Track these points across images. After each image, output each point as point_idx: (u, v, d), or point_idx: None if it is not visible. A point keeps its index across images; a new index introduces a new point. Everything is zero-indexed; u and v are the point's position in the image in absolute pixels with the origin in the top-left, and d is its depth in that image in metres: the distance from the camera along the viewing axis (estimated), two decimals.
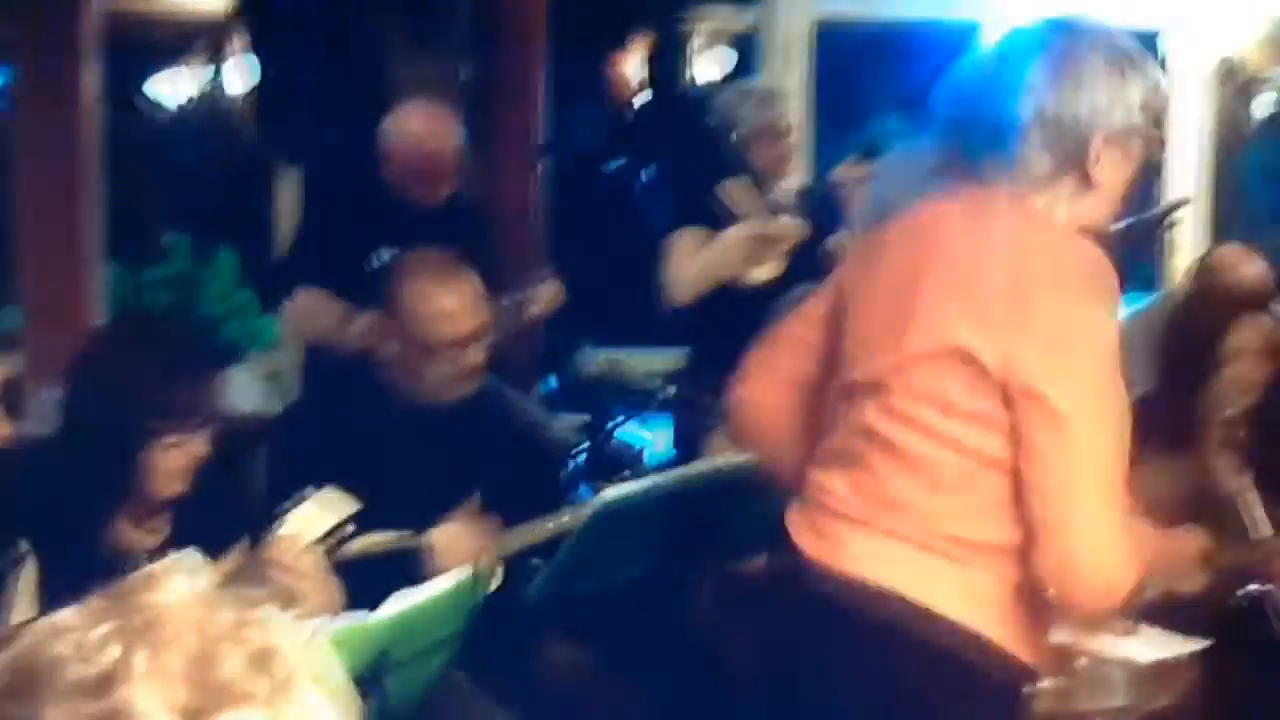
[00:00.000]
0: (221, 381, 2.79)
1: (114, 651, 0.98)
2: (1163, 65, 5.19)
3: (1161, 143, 2.41)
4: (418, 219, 4.04)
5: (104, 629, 0.99)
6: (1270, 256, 4.35)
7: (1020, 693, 2.31)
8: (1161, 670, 3.02)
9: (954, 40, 5.61)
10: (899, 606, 2.23)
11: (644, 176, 5.43)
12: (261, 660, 1.00)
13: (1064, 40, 2.28)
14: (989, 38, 5.75)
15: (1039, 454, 2.16)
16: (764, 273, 4.34)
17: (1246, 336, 3.26)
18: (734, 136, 4.48)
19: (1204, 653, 3.11)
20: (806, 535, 2.36)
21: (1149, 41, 5.50)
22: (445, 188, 4.15)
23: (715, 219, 4.35)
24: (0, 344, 4.49)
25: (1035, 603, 2.27)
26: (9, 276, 4.77)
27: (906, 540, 2.25)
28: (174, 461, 2.56)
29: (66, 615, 1.01)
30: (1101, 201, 2.32)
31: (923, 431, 2.25)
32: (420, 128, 4.13)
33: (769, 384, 2.54)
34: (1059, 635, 2.49)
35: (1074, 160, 2.26)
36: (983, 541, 2.24)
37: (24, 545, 2.43)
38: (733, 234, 4.30)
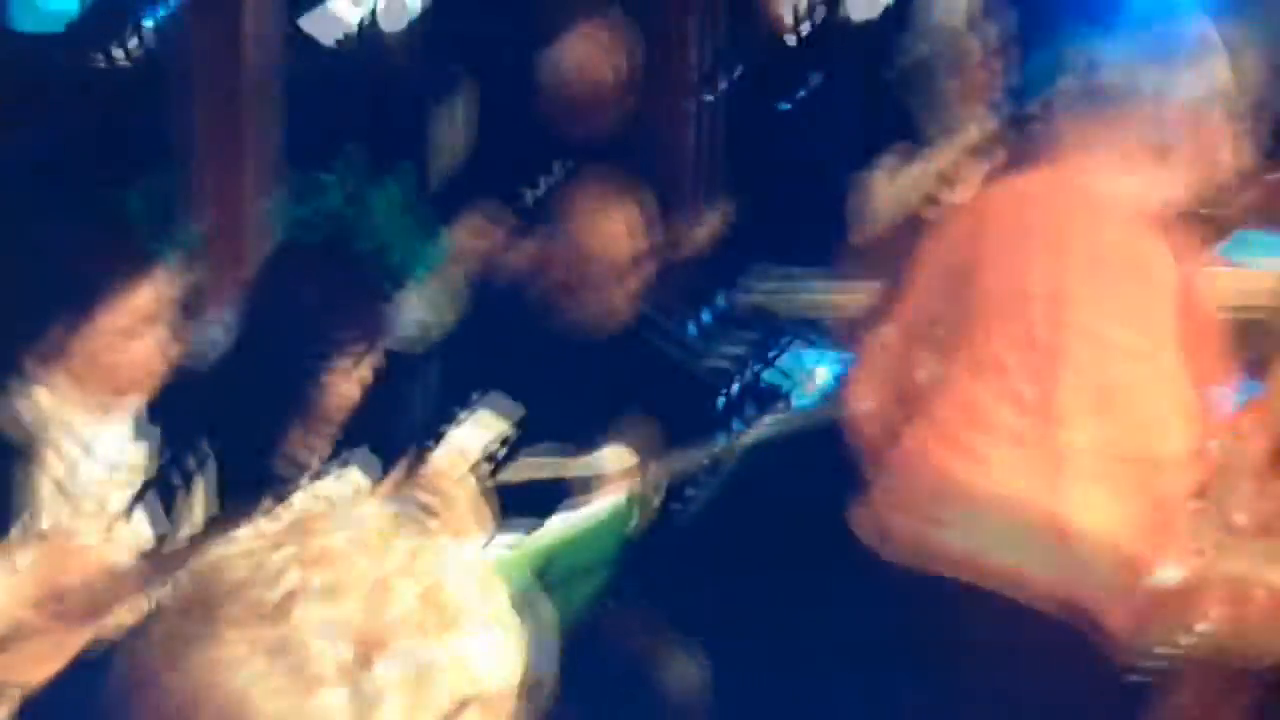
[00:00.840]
0: (391, 306, 2.83)
1: (292, 579, 1.00)
2: None
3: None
4: (580, 148, 4.04)
5: (283, 554, 1.02)
6: None
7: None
8: None
9: None
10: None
11: (821, 103, 5.33)
12: (433, 594, 1.02)
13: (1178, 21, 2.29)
14: None
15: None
16: (959, 195, 4.26)
17: None
18: (926, 61, 4.37)
19: None
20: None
21: None
22: (608, 117, 4.14)
23: (900, 151, 4.29)
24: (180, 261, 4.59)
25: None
26: (188, 197, 4.86)
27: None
28: (343, 383, 2.61)
29: (246, 536, 1.04)
30: (1189, 176, 2.31)
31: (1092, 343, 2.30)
32: (579, 60, 4.12)
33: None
34: (1232, 566, 2.45)
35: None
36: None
37: (205, 447, 2.51)
38: (928, 161, 4.23)
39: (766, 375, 4.46)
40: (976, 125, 4.32)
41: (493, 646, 1.04)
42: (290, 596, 0.99)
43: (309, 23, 6.32)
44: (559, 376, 3.10)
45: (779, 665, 3.23)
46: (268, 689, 0.98)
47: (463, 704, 1.01)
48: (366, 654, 0.99)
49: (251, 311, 2.74)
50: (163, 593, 1.06)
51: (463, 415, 2.68)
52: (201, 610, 1.01)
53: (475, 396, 2.69)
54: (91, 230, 2.59)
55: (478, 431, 2.66)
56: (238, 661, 0.99)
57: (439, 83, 5.17)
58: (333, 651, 0.98)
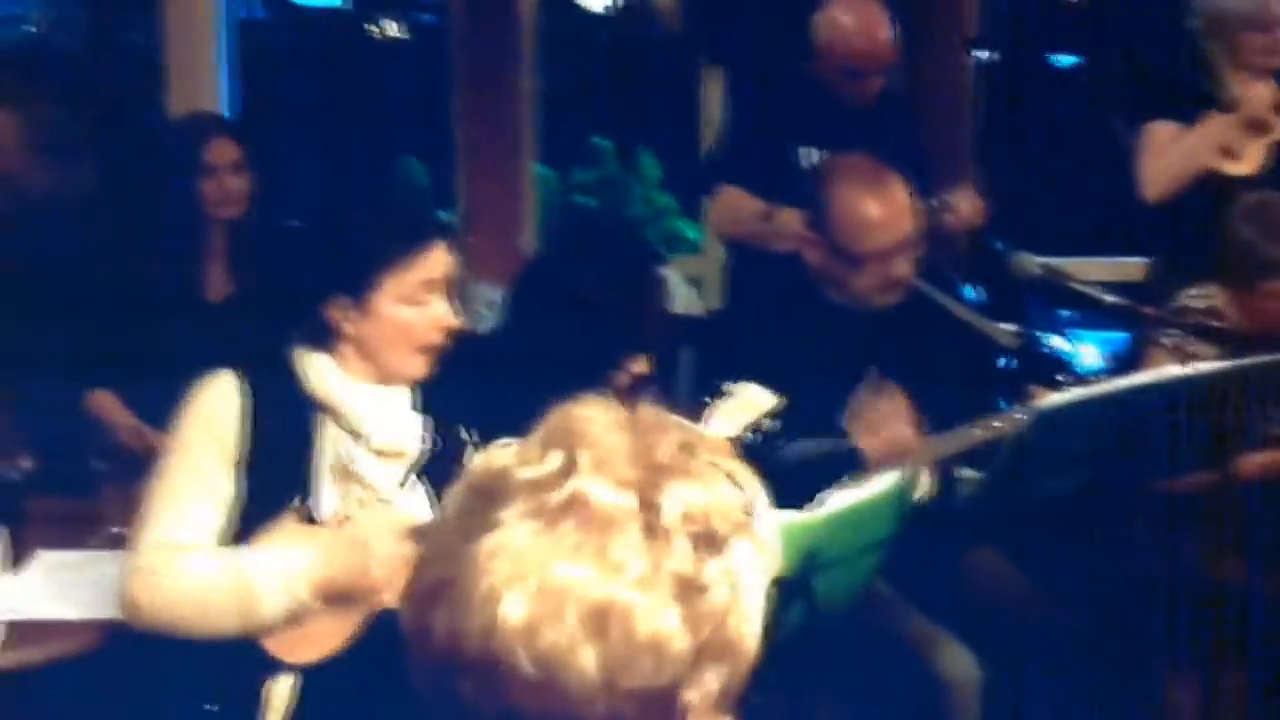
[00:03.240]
0: (666, 297, 2.80)
1: (557, 456, 1.09)
2: None
3: None
4: (846, 117, 3.96)
5: (539, 438, 1.12)
6: None
7: None
8: None
9: None
10: None
11: (1090, 70, 5.15)
12: (689, 446, 1.12)
13: None
14: None
15: None
16: (1243, 167, 4.08)
17: None
18: (1210, 24, 4.17)
19: None
20: None
21: None
22: (875, 84, 4.05)
23: (1182, 112, 4.10)
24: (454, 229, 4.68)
25: None
26: (449, 179, 4.97)
27: None
28: (620, 378, 2.59)
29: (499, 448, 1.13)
30: None
31: None
32: (852, 21, 4.02)
33: None
34: None
35: None
36: None
37: (466, 434, 2.50)
38: (1212, 124, 4.04)
39: (1049, 346, 4.33)
40: (1260, 94, 4.11)
41: (745, 483, 1.13)
42: (562, 466, 1.08)
43: None
44: (828, 354, 3.04)
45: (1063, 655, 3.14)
46: (564, 547, 1.05)
47: (736, 532, 1.09)
48: (647, 498, 1.07)
49: (526, 292, 2.73)
50: (447, 502, 1.13)
51: (728, 387, 2.63)
52: (482, 500, 1.09)
53: (738, 379, 2.64)
54: (381, 196, 2.59)
55: (740, 406, 2.62)
56: (534, 542, 1.05)
57: (697, 59, 5.15)
58: (614, 499, 1.06)
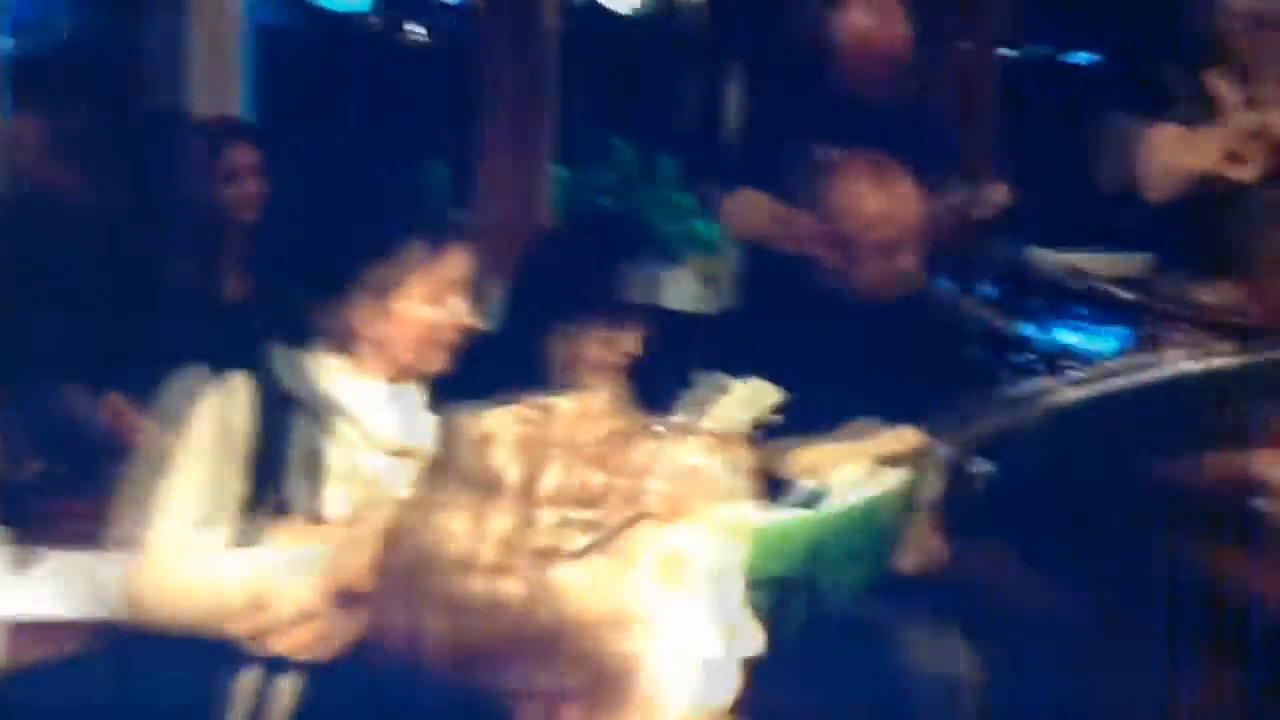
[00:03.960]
0: (660, 280, 2.83)
1: (496, 424, 1.11)
2: None
3: None
4: (864, 115, 3.97)
5: (503, 409, 1.13)
6: None
7: None
8: None
9: None
10: None
11: (1105, 70, 5.16)
12: (621, 438, 1.11)
13: None
14: None
15: None
16: (1248, 173, 4.07)
17: None
18: (1223, 23, 4.16)
19: None
20: None
21: None
22: (892, 82, 4.06)
23: (1189, 115, 4.10)
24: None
25: None
26: (470, 177, 4.99)
27: None
28: (608, 355, 2.61)
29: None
30: None
31: None
32: (869, 20, 4.04)
33: None
34: None
35: None
36: None
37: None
38: (1216, 130, 4.04)
39: (1060, 340, 4.33)
40: (1270, 97, 4.10)
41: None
42: (487, 435, 1.10)
43: None
44: (838, 350, 3.06)
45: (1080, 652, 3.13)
46: (455, 505, 1.06)
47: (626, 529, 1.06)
48: (533, 471, 1.07)
49: (533, 281, 2.76)
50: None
51: (731, 383, 2.65)
52: (438, 466, 1.12)
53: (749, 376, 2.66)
54: (396, 197, 2.64)
55: (742, 400, 2.64)
56: (453, 514, 1.07)
57: (718, 59, 5.17)
58: (506, 467, 1.07)
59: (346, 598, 2.33)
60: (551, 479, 1.07)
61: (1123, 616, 3.19)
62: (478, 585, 1.04)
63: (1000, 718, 2.98)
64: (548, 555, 1.05)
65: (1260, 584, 3.04)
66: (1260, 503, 3.03)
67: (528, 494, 1.06)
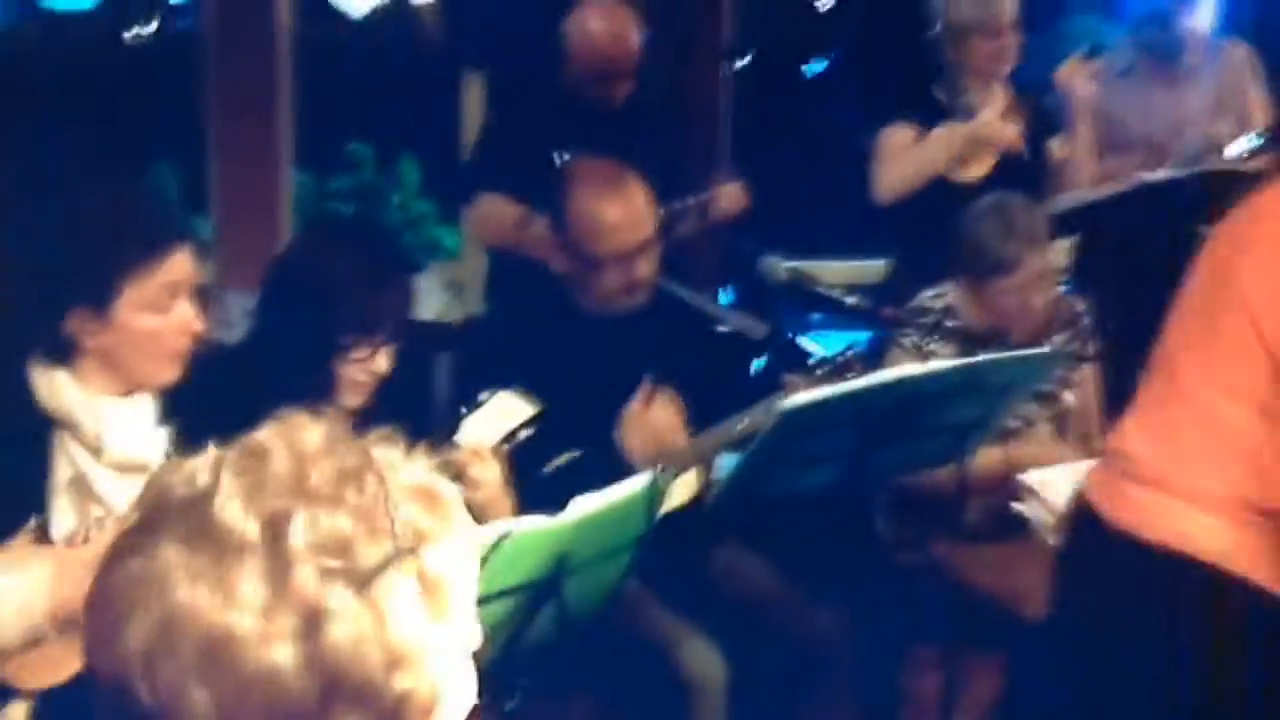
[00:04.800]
0: (412, 294, 2.80)
1: (207, 475, 1.04)
2: None
3: None
4: (600, 121, 4.01)
5: (205, 457, 1.06)
6: None
7: None
8: None
9: None
10: (1206, 572, 2.26)
11: (839, 76, 5.31)
12: (355, 472, 1.04)
13: None
14: None
15: None
16: (975, 171, 4.25)
17: None
18: (947, 32, 4.33)
19: None
20: (1106, 497, 2.40)
21: None
22: (626, 88, 4.10)
23: (920, 118, 4.26)
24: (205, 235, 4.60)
25: None
26: (203, 185, 4.87)
27: (1214, 507, 2.28)
28: (360, 374, 2.58)
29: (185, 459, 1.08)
30: None
31: (1237, 399, 2.26)
32: (600, 26, 4.08)
33: None
34: None
35: None
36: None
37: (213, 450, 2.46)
38: (945, 132, 4.20)
39: (798, 344, 4.45)
40: (993, 99, 4.30)
41: (419, 523, 1.05)
42: (206, 489, 1.03)
43: None
44: (584, 358, 3.08)
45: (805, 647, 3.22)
46: (189, 573, 1.00)
47: (388, 563, 1.02)
48: (279, 526, 1.01)
49: (278, 290, 2.70)
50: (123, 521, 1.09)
51: (484, 397, 2.65)
52: (149, 520, 1.04)
53: (495, 386, 2.66)
54: (120, 202, 2.52)
55: (497, 414, 2.63)
56: (168, 566, 1.01)
57: (456, 65, 5.16)
58: (240, 524, 1.01)
59: (73, 621, 2.25)
60: (298, 530, 1.01)
61: (867, 616, 3.30)
62: (244, 659, 0.99)
63: (745, 717, 3.05)
64: (313, 615, 1.00)
65: (1011, 585, 3.18)
66: (1018, 505, 3.17)
67: (276, 550, 1.01)
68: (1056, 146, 4.41)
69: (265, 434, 1.07)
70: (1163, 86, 4.61)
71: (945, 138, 4.21)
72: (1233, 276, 2.32)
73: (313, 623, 0.99)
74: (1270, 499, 2.27)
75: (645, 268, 3.14)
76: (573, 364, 3.05)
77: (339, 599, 1.00)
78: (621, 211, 3.11)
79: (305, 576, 1.00)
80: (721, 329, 3.37)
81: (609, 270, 3.11)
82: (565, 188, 3.19)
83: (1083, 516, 2.47)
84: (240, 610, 0.99)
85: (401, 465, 1.08)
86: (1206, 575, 2.28)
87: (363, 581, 1.01)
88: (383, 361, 2.61)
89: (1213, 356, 2.32)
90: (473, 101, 5.04)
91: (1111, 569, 2.38)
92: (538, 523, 2.36)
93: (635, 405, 2.98)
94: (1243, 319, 2.27)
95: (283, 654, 0.99)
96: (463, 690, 1.09)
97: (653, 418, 2.98)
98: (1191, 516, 2.29)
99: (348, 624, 1.00)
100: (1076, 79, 4.49)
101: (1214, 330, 2.32)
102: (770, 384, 3.35)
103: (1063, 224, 3.94)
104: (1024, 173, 4.21)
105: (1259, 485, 2.27)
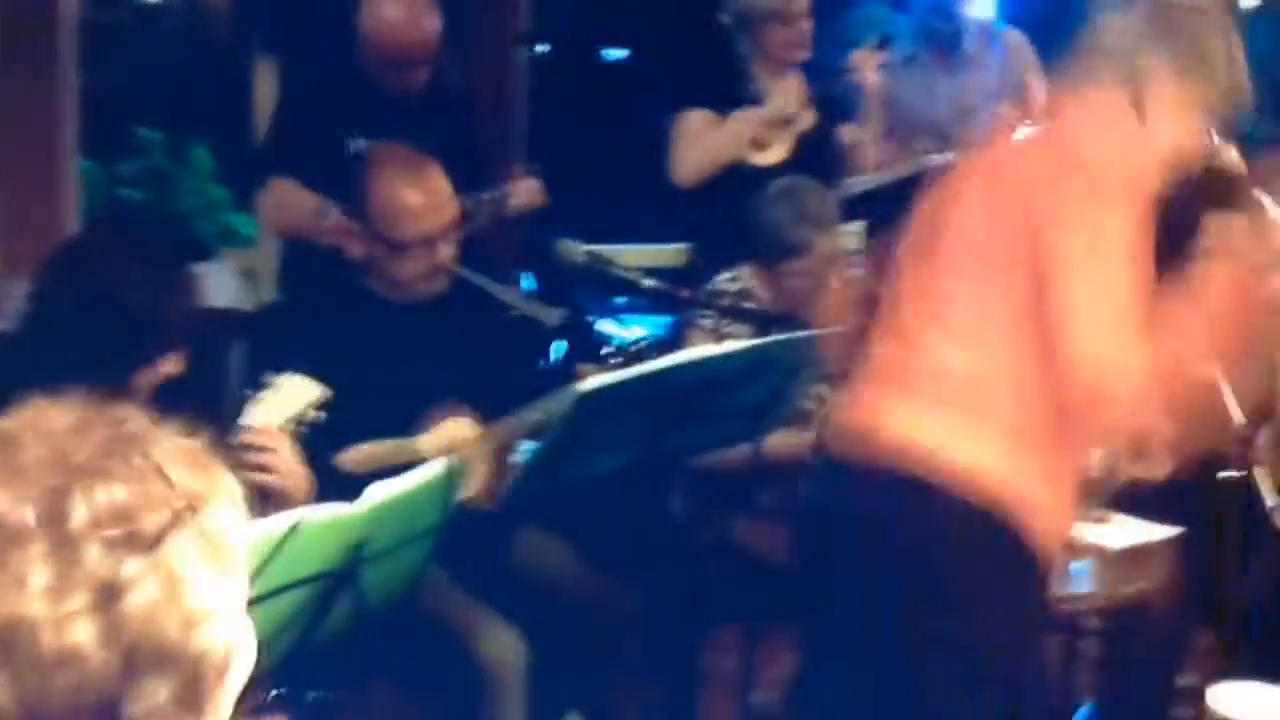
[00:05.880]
0: (197, 296, 2.74)
1: None
2: None
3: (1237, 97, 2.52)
4: (395, 107, 3.97)
5: None
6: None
7: (1044, 555, 2.46)
8: (1133, 557, 3.05)
9: None
10: (939, 467, 2.38)
11: (635, 64, 5.36)
12: (119, 442, 1.06)
13: None
14: None
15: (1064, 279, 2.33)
16: (770, 156, 4.33)
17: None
18: (740, 19, 4.40)
19: (1177, 538, 3.13)
20: (854, 408, 2.56)
21: None
22: (422, 75, 4.07)
23: (716, 103, 4.32)
24: None
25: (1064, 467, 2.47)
26: None
27: (950, 406, 2.41)
28: (144, 377, 2.52)
29: None
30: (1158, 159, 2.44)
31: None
32: (396, 13, 4.04)
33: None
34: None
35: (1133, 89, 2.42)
36: (1021, 403, 2.40)
37: None
38: (740, 117, 4.28)
39: (598, 329, 4.48)
40: (786, 86, 4.39)
41: (202, 484, 1.07)
42: None
43: None
44: (380, 347, 3.06)
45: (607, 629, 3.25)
46: None
47: (171, 527, 1.03)
48: (55, 506, 1.01)
49: (48, 290, 2.61)
50: None
51: (269, 380, 2.61)
52: None
53: (290, 371, 2.63)
54: None
55: (284, 396, 2.60)
56: None
57: (248, 51, 5.07)
58: (13, 511, 1.01)
59: None
60: (76, 507, 1.01)
61: (665, 598, 3.34)
62: (41, 644, 0.99)
63: (545, 702, 3.07)
64: (106, 588, 1.00)
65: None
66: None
67: (57, 531, 1.01)
68: (848, 132, 4.52)
69: (8, 422, 1.07)
70: (944, 74, 4.76)
71: (740, 123, 4.29)
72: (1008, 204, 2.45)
73: (107, 596, 1.00)
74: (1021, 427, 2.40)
75: (446, 252, 3.15)
76: (369, 351, 3.03)
77: (129, 568, 1.01)
78: (423, 195, 3.12)
79: (92, 551, 1.01)
80: (517, 314, 3.38)
81: (410, 254, 3.10)
82: (366, 172, 3.18)
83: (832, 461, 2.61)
84: (30, 596, 0.99)
85: (159, 432, 1.09)
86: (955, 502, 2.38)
87: (149, 546, 1.02)
88: (169, 366, 2.54)
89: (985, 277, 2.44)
90: (264, 86, 4.95)
91: (849, 501, 2.51)
92: (333, 510, 2.34)
93: (437, 416, 3.00)
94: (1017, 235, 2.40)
95: (81, 632, 0.99)
96: (249, 645, 1.11)
97: (448, 428, 2.98)
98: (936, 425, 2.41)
99: (141, 591, 1.01)
100: (867, 67, 4.61)
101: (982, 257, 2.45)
102: (568, 371, 3.38)
103: (852, 207, 4.03)
104: (818, 158, 4.31)
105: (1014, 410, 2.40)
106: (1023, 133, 2.72)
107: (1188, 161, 2.53)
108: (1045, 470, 2.43)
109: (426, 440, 2.98)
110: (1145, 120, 2.43)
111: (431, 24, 4.07)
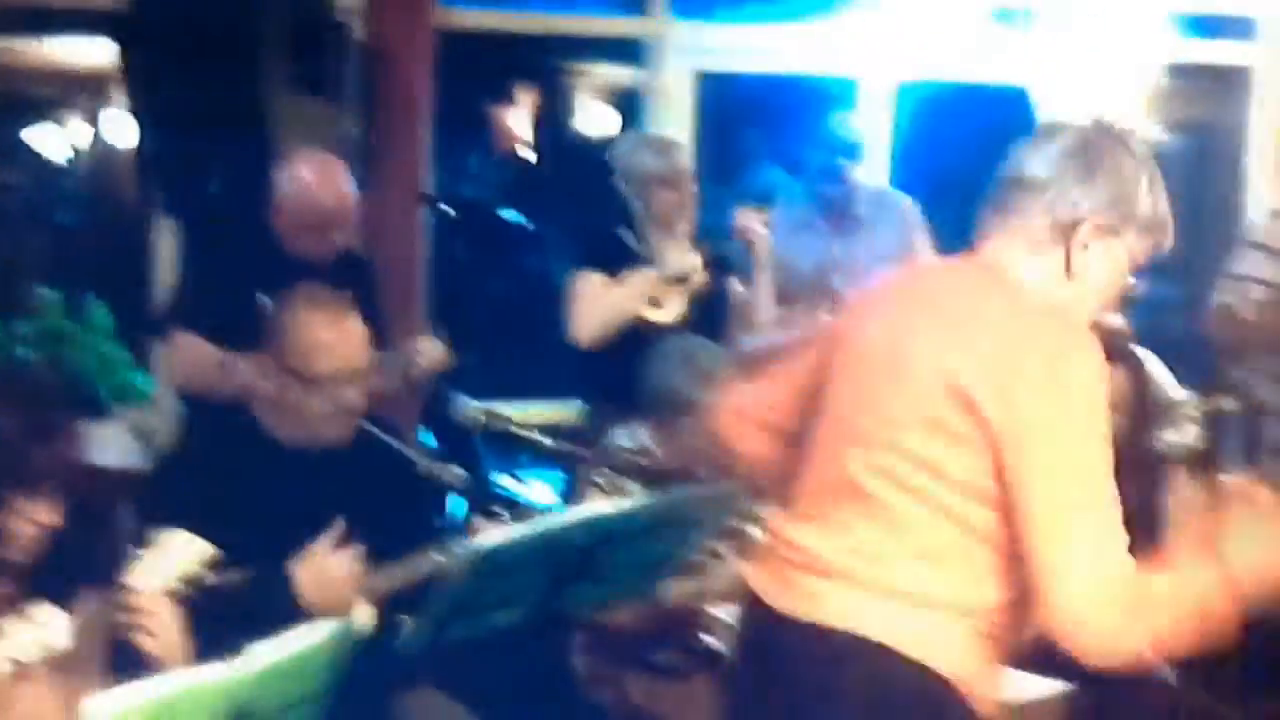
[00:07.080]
0: (82, 446, 2.72)
1: None
2: (1033, 120, 5.33)
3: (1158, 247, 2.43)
4: (302, 269, 4.00)
5: None
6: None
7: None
8: (1030, 712, 3.06)
9: (832, 95, 5.71)
10: (871, 654, 2.29)
11: (533, 226, 5.47)
12: None
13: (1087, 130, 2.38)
14: (866, 93, 5.87)
15: (1034, 493, 2.19)
16: (665, 315, 4.44)
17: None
18: (630, 184, 4.52)
19: (1067, 694, 3.15)
20: (771, 586, 2.43)
21: (1019, 97, 5.63)
22: (338, 239, 4.12)
23: (611, 265, 4.42)
24: None
25: (1001, 647, 2.37)
26: None
27: (884, 595, 2.30)
28: (20, 525, 2.49)
29: None
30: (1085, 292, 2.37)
31: (912, 494, 2.30)
32: (313, 179, 4.08)
33: (749, 409, 2.72)
34: None
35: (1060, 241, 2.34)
36: (964, 603, 2.30)
37: None
38: (637, 277, 4.38)
39: (494, 487, 4.50)
40: (678, 245, 4.50)
41: None
42: None
43: (32, 137, 6.16)
44: (277, 496, 3.04)
45: None
46: None
47: None
48: None
49: None
50: None
51: (157, 537, 2.59)
52: None
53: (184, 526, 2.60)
54: None
55: (167, 555, 2.57)
56: None
57: (149, 212, 5.08)
58: None
59: None
60: None
61: None
62: None
63: None
64: None
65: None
66: (708, 638, 3.24)
67: None
68: (738, 291, 4.63)
69: None
70: (836, 236, 4.89)
71: (635, 283, 4.38)
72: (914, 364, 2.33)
73: None
74: (960, 596, 2.30)
75: (354, 396, 3.16)
76: (267, 501, 3.01)
77: None
78: (338, 334, 3.15)
79: None
80: (417, 469, 3.38)
81: (321, 391, 3.11)
82: (283, 311, 3.20)
83: (753, 609, 2.49)
84: None
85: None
86: (897, 664, 2.29)
87: None
88: (44, 515, 2.51)
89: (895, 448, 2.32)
90: (164, 246, 4.97)
91: (787, 660, 2.39)
92: (214, 673, 2.30)
93: (318, 548, 2.96)
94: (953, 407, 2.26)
95: None
96: None
97: (331, 564, 2.95)
98: (876, 608, 2.31)
99: None
100: (751, 227, 4.73)
101: (895, 424, 2.33)
102: (464, 527, 3.37)
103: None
104: (711, 315, 4.41)
105: (947, 580, 2.30)
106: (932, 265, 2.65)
107: (1116, 296, 2.45)
108: (991, 638, 2.35)
109: (303, 570, 2.93)
110: (1072, 250, 2.34)
111: (347, 190, 4.13)
